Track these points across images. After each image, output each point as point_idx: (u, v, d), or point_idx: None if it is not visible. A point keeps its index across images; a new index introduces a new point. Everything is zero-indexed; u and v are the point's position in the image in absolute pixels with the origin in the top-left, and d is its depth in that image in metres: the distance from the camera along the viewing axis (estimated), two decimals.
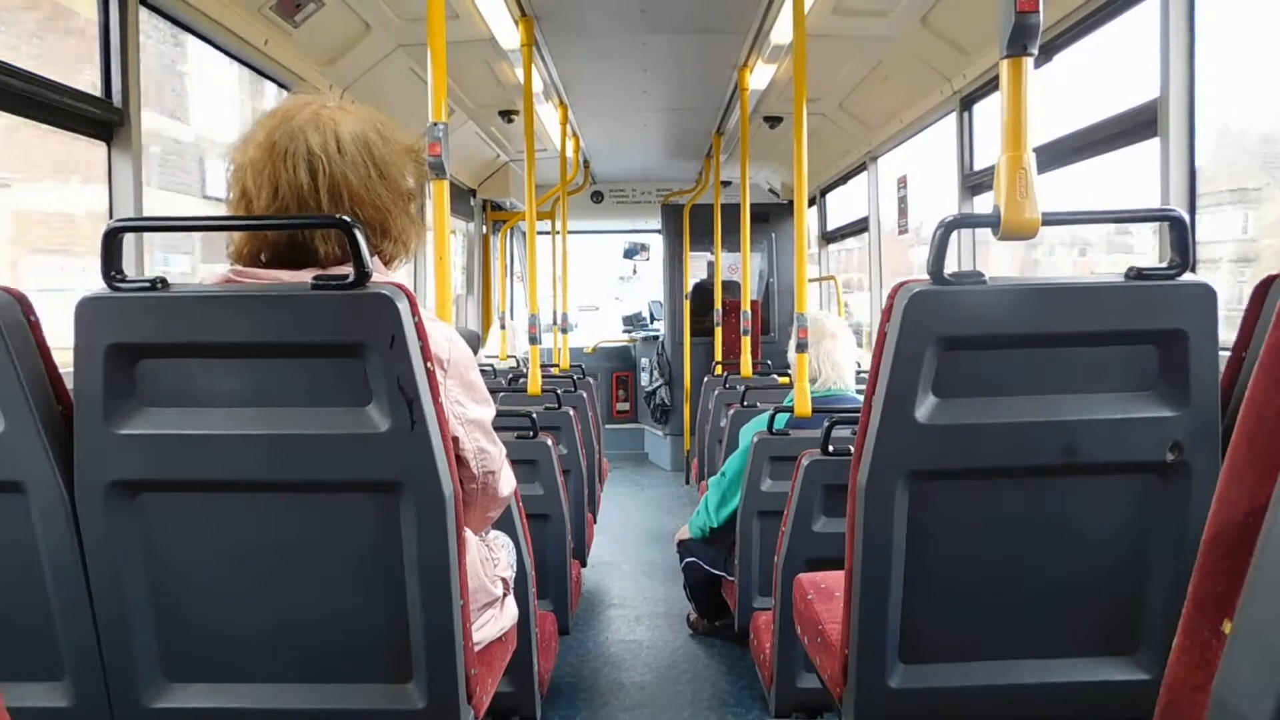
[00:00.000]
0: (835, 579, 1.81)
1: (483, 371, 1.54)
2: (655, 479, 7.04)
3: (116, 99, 2.42)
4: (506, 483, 1.54)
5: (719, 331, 6.31)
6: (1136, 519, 1.38)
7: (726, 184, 7.02)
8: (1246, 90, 2.43)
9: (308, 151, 1.29)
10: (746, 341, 5.03)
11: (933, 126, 4.21)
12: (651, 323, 8.60)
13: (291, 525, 1.28)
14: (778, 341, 7.24)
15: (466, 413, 1.40)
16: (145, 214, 2.45)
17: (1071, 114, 2.93)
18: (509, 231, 7.76)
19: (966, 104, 3.73)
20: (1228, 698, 0.58)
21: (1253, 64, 2.39)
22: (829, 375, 2.92)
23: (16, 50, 2.43)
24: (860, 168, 5.30)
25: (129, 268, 1.29)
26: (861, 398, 1.64)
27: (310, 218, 1.29)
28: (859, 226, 5.49)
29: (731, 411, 3.66)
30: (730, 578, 2.91)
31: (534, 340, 3.80)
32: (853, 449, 1.43)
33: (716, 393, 4.52)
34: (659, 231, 7.84)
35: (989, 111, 3.66)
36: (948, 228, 1.32)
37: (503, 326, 6.43)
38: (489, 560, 1.64)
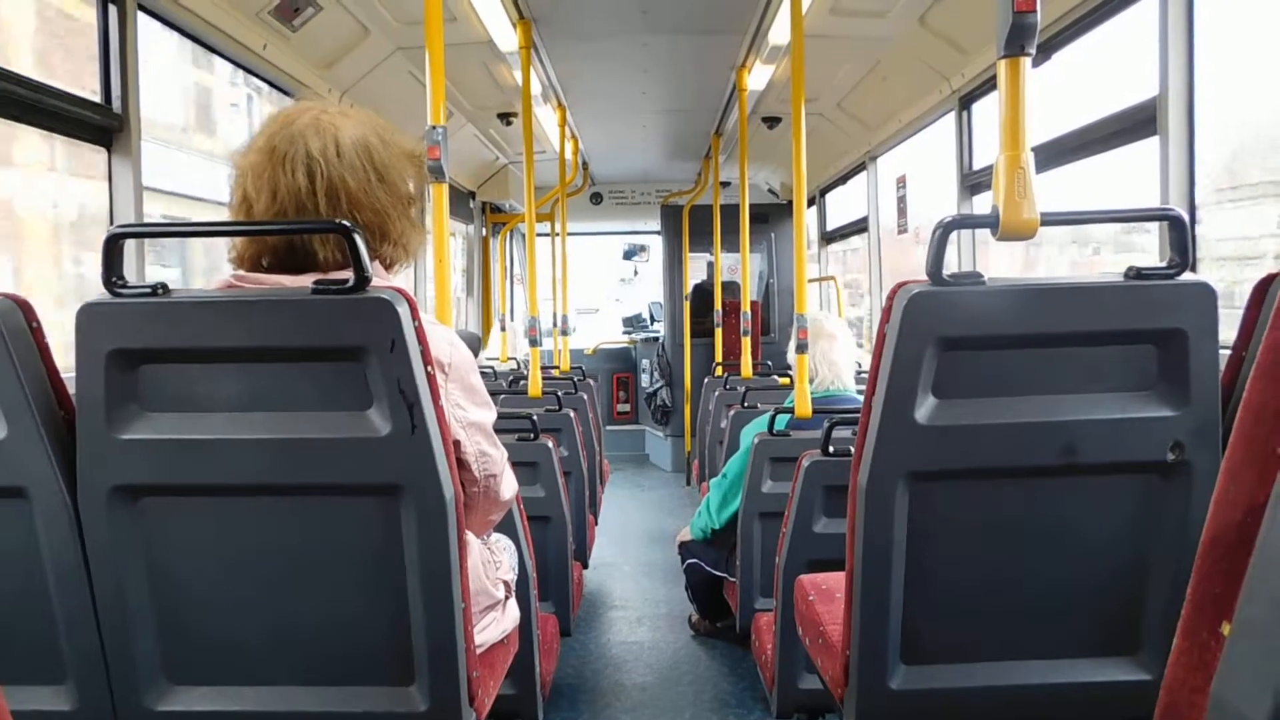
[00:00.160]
0: (836, 580, 1.81)
1: (483, 374, 1.54)
2: (656, 480, 7.04)
3: (116, 105, 2.42)
4: (508, 486, 1.55)
5: (719, 332, 6.31)
6: (1137, 519, 1.38)
7: (726, 184, 7.01)
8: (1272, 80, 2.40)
9: (306, 155, 1.29)
10: (746, 342, 5.03)
11: (931, 126, 4.21)
12: (651, 324, 8.60)
13: (293, 529, 1.28)
14: (778, 342, 7.24)
15: (468, 416, 1.40)
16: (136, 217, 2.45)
17: (1070, 113, 2.93)
18: (508, 234, 7.76)
19: (965, 103, 3.73)
20: (1227, 699, 0.58)
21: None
22: (826, 375, 2.92)
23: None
24: (859, 168, 5.30)
25: (129, 273, 1.29)
26: (862, 398, 1.65)
27: (309, 222, 1.29)
28: (858, 227, 5.49)
29: (732, 412, 3.66)
30: (731, 579, 2.91)
31: (534, 342, 3.81)
32: (853, 450, 1.43)
33: (717, 394, 4.52)
34: (658, 233, 7.84)
35: (988, 111, 3.66)
36: (946, 228, 1.32)
37: (503, 329, 6.44)
38: (491, 563, 1.64)
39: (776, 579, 2.21)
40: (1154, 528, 1.37)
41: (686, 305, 7.21)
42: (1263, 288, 1.26)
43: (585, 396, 4.09)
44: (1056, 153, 2.93)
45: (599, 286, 12.19)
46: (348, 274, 1.20)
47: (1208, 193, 2.39)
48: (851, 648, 1.45)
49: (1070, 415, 1.34)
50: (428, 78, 2.23)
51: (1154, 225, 2.43)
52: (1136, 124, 2.52)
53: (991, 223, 1.43)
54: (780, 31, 3.78)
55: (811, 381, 2.91)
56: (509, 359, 5.95)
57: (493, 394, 1.68)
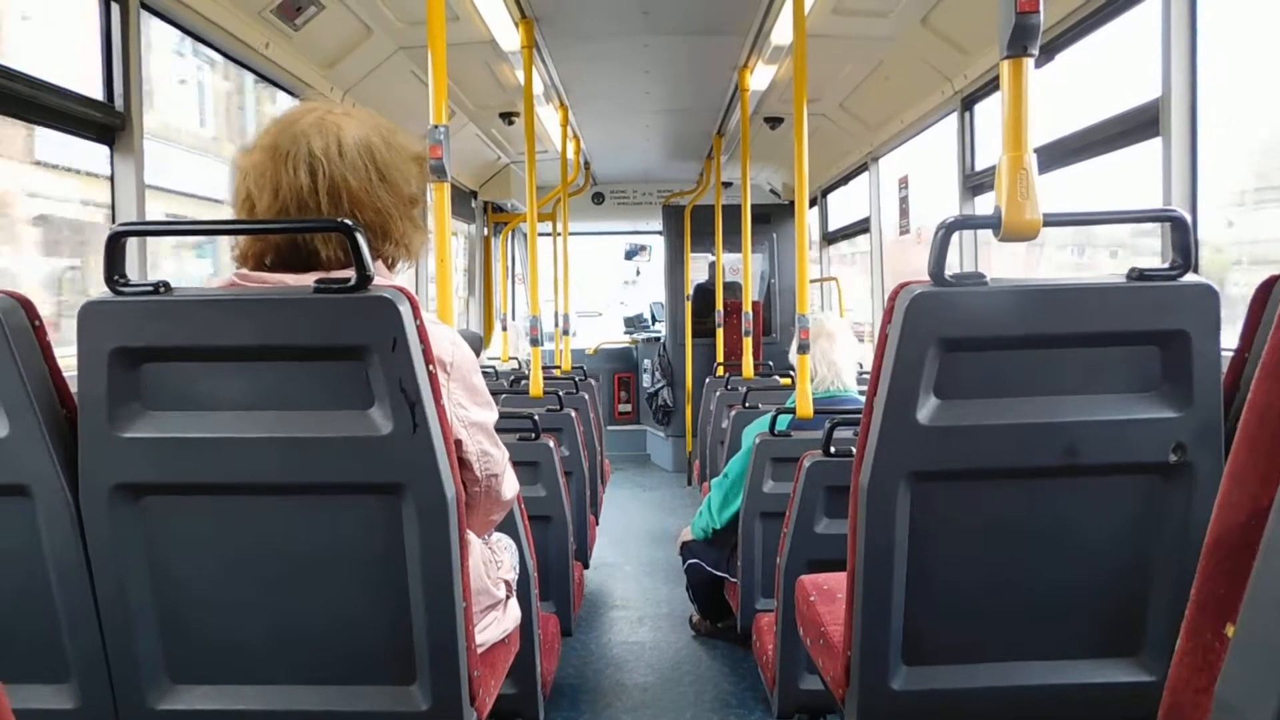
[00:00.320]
0: (837, 580, 1.81)
1: (484, 374, 1.54)
2: (657, 480, 7.04)
3: (118, 103, 2.42)
4: (510, 486, 1.54)
5: (720, 332, 6.31)
6: (1139, 520, 1.37)
7: (728, 185, 7.01)
8: None
9: (309, 154, 1.29)
10: (748, 343, 5.03)
11: (934, 127, 4.21)
12: (653, 324, 8.60)
13: (295, 527, 1.28)
14: (779, 342, 7.24)
15: (469, 415, 1.40)
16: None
17: (1074, 114, 2.92)
18: (510, 233, 7.77)
19: (968, 104, 3.73)
20: (1231, 700, 0.58)
21: None
22: (825, 375, 2.92)
23: None
24: (861, 168, 5.30)
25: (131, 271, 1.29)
26: (864, 399, 1.64)
27: (311, 221, 1.29)
28: (860, 227, 5.49)
29: (733, 413, 3.66)
30: (733, 579, 2.91)
31: (535, 342, 3.81)
32: (854, 450, 1.43)
33: (718, 394, 4.52)
34: (660, 233, 7.84)
35: (990, 112, 3.66)
36: (948, 229, 1.32)
37: (504, 328, 6.43)
38: (492, 562, 1.64)
39: (777, 579, 2.21)
40: (1156, 529, 1.37)
41: (688, 305, 7.21)
42: (1266, 289, 1.26)
43: (586, 396, 4.09)
44: (1060, 154, 2.93)
45: (602, 288, 12.20)
46: (350, 273, 1.20)
47: (1245, 193, 2.37)
48: (853, 648, 1.45)
49: (1072, 416, 1.33)
50: (430, 77, 2.23)
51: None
52: (1139, 125, 2.52)
53: (994, 223, 1.43)
54: (782, 32, 3.78)
55: (811, 381, 2.91)
56: (510, 359, 5.95)
57: (494, 394, 1.69)
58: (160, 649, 1.30)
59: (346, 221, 1.20)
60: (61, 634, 1.29)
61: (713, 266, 7.03)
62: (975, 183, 3.72)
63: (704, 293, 7.20)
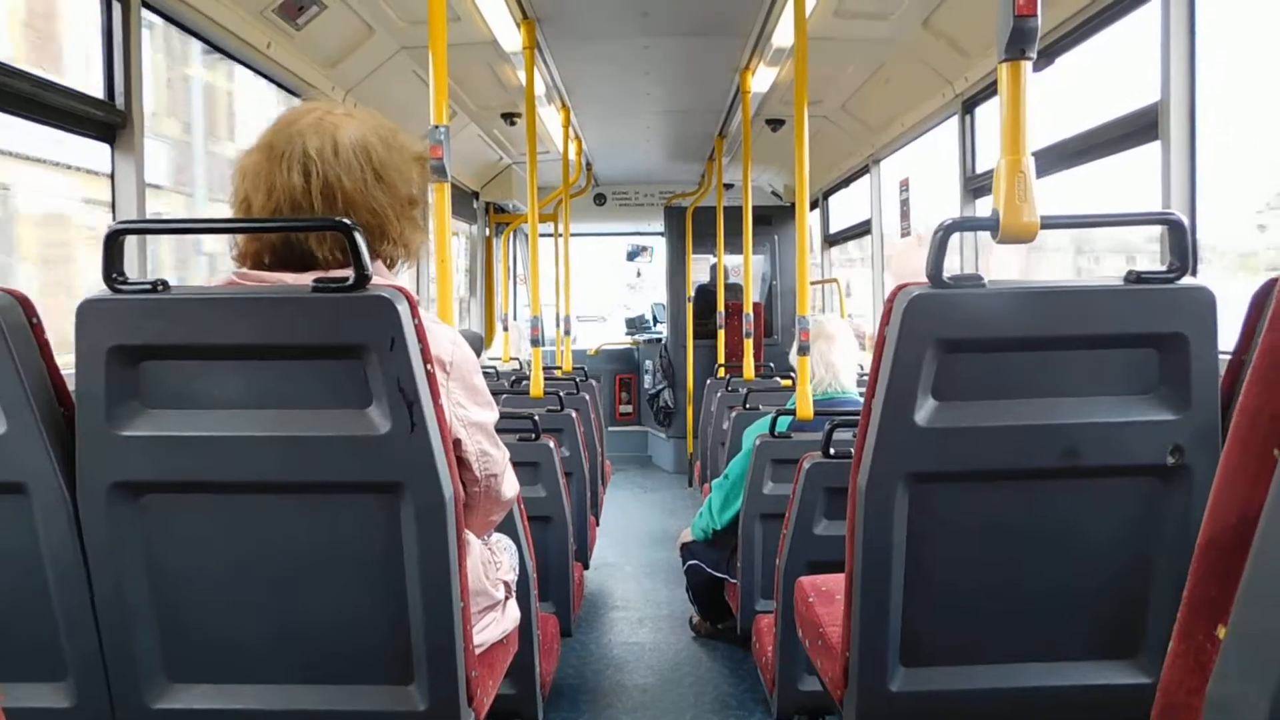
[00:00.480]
0: (836, 582, 1.81)
1: (485, 374, 1.54)
2: (658, 481, 7.04)
3: (119, 101, 2.43)
4: (510, 486, 1.54)
5: (722, 334, 6.30)
6: (1137, 522, 1.37)
7: (729, 186, 7.01)
8: None
9: (303, 154, 1.29)
10: (749, 344, 5.03)
11: (935, 129, 4.21)
12: (654, 325, 8.60)
13: (293, 526, 1.28)
14: (781, 344, 7.23)
15: (469, 415, 1.40)
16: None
17: (1074, 117, 2.92)
18: (511, 234, 7.77)
19: (968, 107, 3.73)
20: (1223, 702, 0.58)
21: None
22: (823, 377, 2.92)
23: None
24: (863, 170, 5.30)
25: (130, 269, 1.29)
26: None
27: (310, 220, 1.30)
28: (862, 229, 5.49)
29: (734, 414, 3.66)
30: (732, 580, 2.91)
31: (536, 342, 3.81)
32: (853, 452, 1.43)
33: (719, 395, 4.52)
34: (662, 234, 7.84)
35: (991, 114, 3.66)
36: (946, 231, 1.33)
37: (505, 329, 6.43)
38: (491, 563, 1.65)
39: (777, 581, 2.21)
40: (1154, 531, 1.37)
41: (689, 307, 7.21)
42: (1263, 293, 1.26)
43: (587, 397, 4.09)
44: (1059, 157, 2.93)
45: (605, 290, 12.19)
46: (348, 272, 1.20)
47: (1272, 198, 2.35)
48: (851, 650, 1.45)
49: (1070, 418, 1.34)
50: (431, 77, 2.23)
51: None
52: (1139, 129, 2.52)
53: (992, 225, 1.43)
54: (783, 34, 3.78)
55: (810, 383, 2.91)
56: (511, 359, 5.94)
57: (495, 394, 1.69)
58: (157, 647, 1.30)
59: (345, 220, 1.20)
60: (58, 632, 1.29)
61: (714, 268, 7.03)
62: (976, 185, 3.72)
63: (705, 294, 7.20)
